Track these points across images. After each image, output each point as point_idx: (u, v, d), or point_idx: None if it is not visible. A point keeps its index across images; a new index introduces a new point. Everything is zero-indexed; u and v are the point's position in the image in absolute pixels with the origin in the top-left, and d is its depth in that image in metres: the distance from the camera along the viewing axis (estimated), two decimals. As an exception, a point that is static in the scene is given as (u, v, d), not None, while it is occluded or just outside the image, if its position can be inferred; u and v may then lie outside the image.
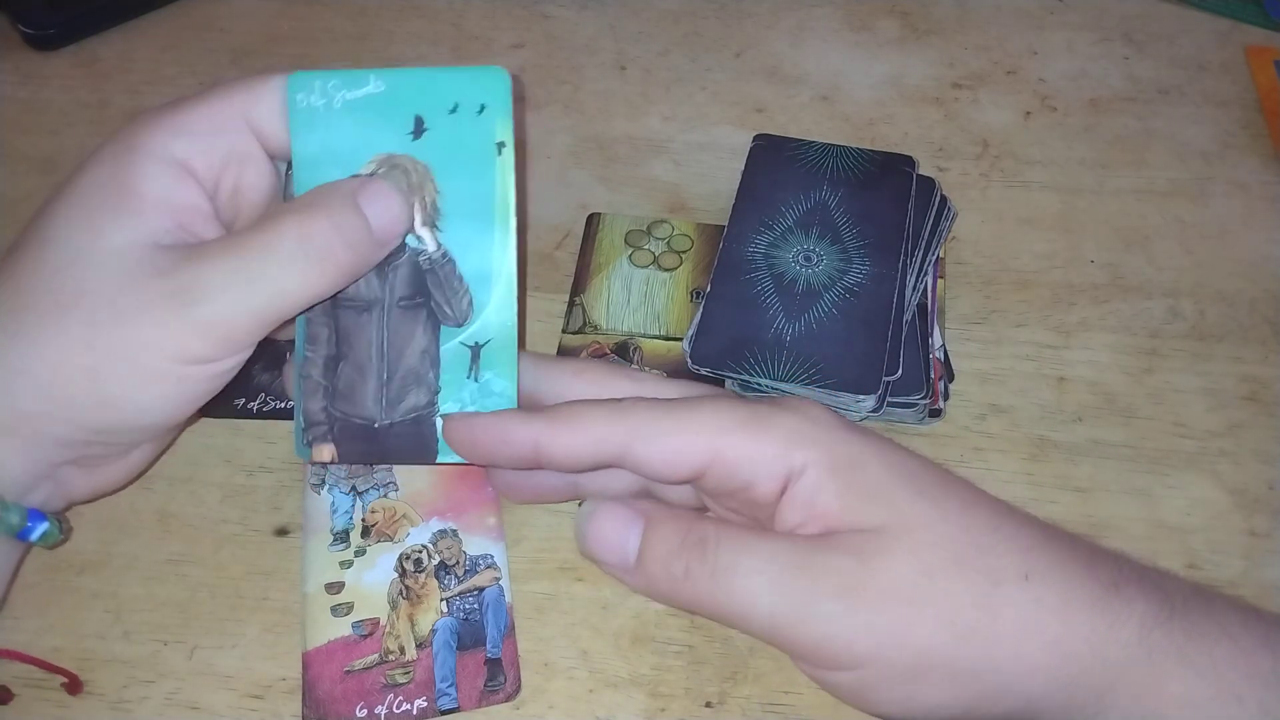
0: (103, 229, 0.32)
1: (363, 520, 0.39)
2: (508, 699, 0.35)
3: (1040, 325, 0.45)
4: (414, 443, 0.35)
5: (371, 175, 0.35)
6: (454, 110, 0.35)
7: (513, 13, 0.58)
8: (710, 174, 0.51)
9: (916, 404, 0.41)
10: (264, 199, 0.36)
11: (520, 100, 0.48)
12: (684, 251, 0.46)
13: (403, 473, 0.40)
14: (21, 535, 0.33)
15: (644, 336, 0.44)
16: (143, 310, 0.31)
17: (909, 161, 0.46)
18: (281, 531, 0.39)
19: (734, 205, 0.45)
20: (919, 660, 0.29)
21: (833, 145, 0.47)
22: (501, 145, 0.35)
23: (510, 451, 0.32)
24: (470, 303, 0.35)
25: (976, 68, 0.56)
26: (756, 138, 0.47)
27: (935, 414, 0.41)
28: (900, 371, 0.40)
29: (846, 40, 0.57)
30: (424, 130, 0.35)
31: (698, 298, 0.45)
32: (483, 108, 0.35)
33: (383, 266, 0.35)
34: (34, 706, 0.35)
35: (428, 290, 0.35)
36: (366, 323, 0.35)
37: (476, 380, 0.35)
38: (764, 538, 0.30)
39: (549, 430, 0.32)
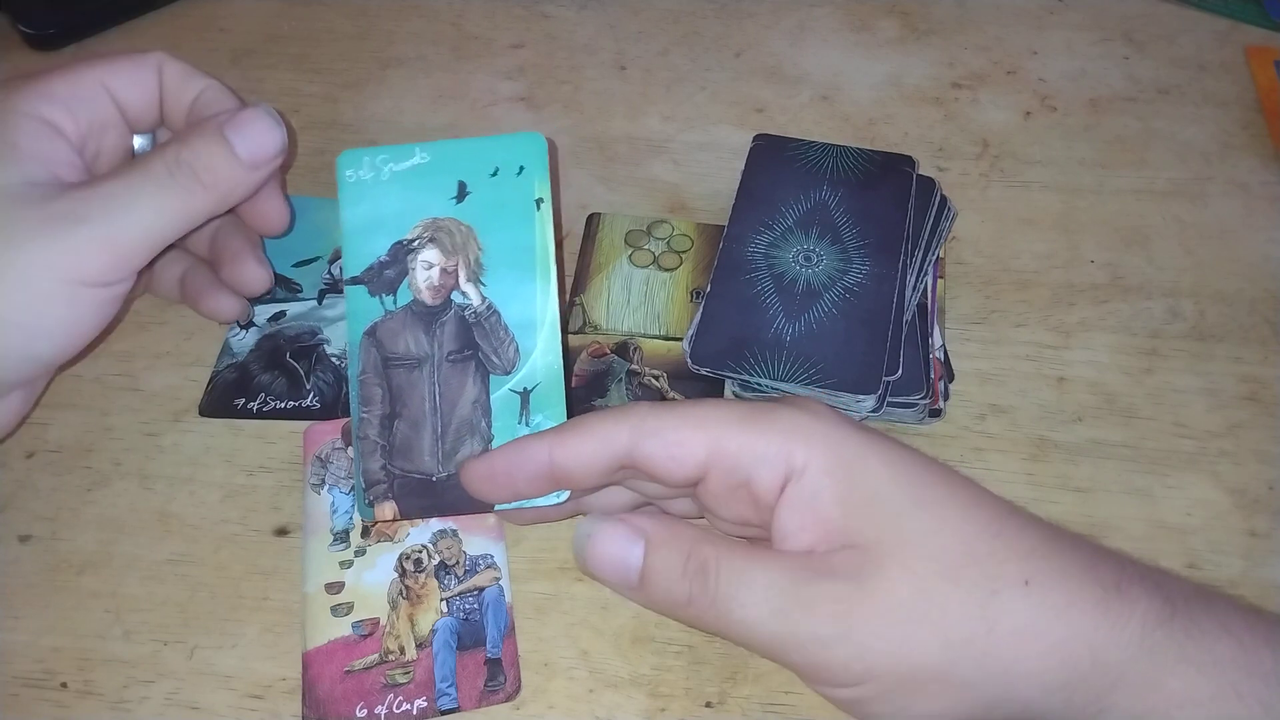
0: None
1: (363, 520, 0.39)
2: (508, 699, 0.35)
3: (1040, 325, 0.45)
4: None
5: (252, 110, 0.37)
6: (495, 174, 0.38)
7: (513, 13, 0.58)
8: (710, 174, 0.51)
9: (916, 404, 0.41)
10: (121, 162, 0.39)
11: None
12: (684, 251, 0.46)
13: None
14: None
15: (644, 336, 0.44)
16: (33, 232, 0.33)
17: (909, 161, 0.46)
18: (281, 531, 0.39)
19: (734, 205, 0.45)
20: (914, 675, 0.29)
21: (833, 145, 0.47)
22: (540, 201, 0.38)
23: (529, 469, 0.33)
24: (517, 350, 0.37)
25: (976, 68, 0.56)
26: (756, 138, 0.47)
27: (935, 414, 0.41)
28: (900, 371, 0.40)
29: (846, 40, 0.57)
30: (467, 194, 0.38)
31: (698, 298, 0.45)
32: (521, 169, 0.38)
33: (430, 323, 0.37)
34: (34, 706, 0.35)
35: (475, 342, 0.37)
36: (418, 379, 0.37)
37: (528, 425, 0.36)
38: (762, 564, 0.31)
39: (559, 440, 0.32)
